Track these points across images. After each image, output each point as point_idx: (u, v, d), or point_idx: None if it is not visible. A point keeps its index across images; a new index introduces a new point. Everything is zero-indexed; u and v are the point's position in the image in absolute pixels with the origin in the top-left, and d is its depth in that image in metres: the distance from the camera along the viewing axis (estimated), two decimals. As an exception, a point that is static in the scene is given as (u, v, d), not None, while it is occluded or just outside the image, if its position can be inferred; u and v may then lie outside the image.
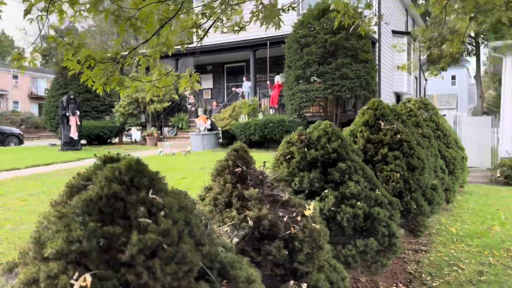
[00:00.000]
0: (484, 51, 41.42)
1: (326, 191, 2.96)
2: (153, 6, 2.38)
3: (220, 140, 12.54)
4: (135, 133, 19.75)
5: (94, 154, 1.75)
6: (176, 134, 15.21)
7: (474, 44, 39.86)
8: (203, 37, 3.69)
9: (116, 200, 1.41)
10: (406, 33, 17.31)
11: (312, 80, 11.30)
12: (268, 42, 13.75)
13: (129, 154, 1.61)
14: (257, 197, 2.20)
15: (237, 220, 2.21)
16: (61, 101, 13.20)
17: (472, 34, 38.82)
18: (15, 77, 52.77)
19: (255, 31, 16.84)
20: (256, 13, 3.37)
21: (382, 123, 3.79)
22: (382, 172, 3.58)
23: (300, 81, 11.16)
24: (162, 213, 1.46)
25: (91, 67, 2.85)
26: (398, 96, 17.93)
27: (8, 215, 4.91)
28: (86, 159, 11.20)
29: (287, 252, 2.14)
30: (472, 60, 53.53)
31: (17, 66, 3.02)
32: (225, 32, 3.84)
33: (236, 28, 3.85)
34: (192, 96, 16.70)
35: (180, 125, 14.94)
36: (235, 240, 2.02)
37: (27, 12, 2.56)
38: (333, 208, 2.91)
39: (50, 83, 56.67)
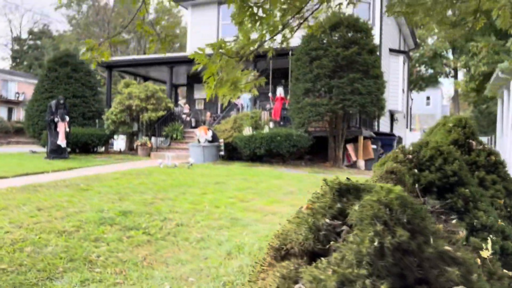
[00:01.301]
0: (461, 72, 42.87)
1: (453, 222, 2.55)
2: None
3: (222, 153, 11.99)
4: (119, 142, 18.83)
5: (324, 180, 1.27)
6: (169, 145, 14.51)
7: (452, 66, 41.18)
8: (290, 37, 3.25)
9: (404, 254, 0.93)
10: (402, 51, 17.46)
11: (312, 95, 11.01)
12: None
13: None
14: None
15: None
16: (49, 105, 12.30)
17: (451, 57, 40.16)
18: (-17, 79, 50.30)
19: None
20: None
21: (474, 143, 3.46)
22: (481, 198, 3.23)
23: (310, 95, 10.83)
24: None
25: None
26: (392, 115, 17.98)
27: (23, 234, 4.21)
28: (79, 169, 10.37)
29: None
30: (445, 81, 55.47)
31: (88, 57, 2.49)
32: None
33: (320, 28, 3.42)
34: (187, 105, 16.08)
35: (175, 135, 14.27)
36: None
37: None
38: (464, 243, 2.49)
39: (31, 86, 54.37)
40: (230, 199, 6.21)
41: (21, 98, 53.36)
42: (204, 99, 18.44)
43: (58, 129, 12.15)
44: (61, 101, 12.26)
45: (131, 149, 17.52)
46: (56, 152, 12.16)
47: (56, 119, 12.07)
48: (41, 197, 6.08)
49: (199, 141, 12.17)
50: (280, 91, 13.22)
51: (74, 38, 55.98)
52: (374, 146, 12.51)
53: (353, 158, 12.39)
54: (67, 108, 12.48)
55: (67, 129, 12.36)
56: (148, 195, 6.40)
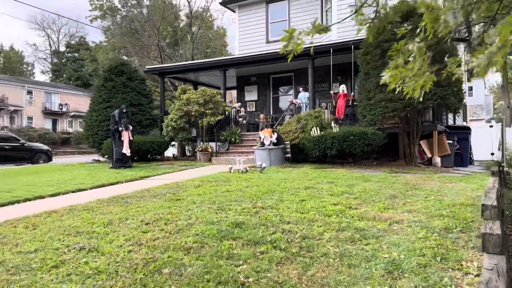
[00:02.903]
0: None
1: None
2: None
3: (289, 155, 11.55)
4: (171, 149, 18.83)
5: None
6: (228, 149, 14.25)
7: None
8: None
9: None
10: (464, 39, 16.42)
11: (385, 90, 10.32)
12: (331, 49, 12.89)
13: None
14: None
15: None
16: (113, 115, 12.31)
17: (500, 43, 37.99)
18: (30, 92, 52.58)
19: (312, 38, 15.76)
20: None
21: None
22: None
23: (383, 90, 10.22)
24: None
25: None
26: (454, 106, 16.96)
27: (148, 253, 3.92)
28: (150, 177, 10.25)
29: None
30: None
31: (287, 49, 2.13)
32: None
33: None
34: (243, 108, 15.80)
35: (233, 139, 13.99)
36: None
37: None
38: None
39: (73, 97, 56.23)
40: (334, 205, 5.75)
41: (64, 109, 55.45)
42: (255, 101, 18.11)
43: (122, 138, 12.13)
44: (124, 110, 12.24)
45: (183, 154, 17.46)
46: (121, 162, 12.14)
47: (120, 128, 12.06)
48: (138, 210, 5.86)
49: (263, 144, 11.80)
50: (343, 87, 12.66)
51: (110, 49, 57.50)
52: (450, 141, 11.71)
53: (428, 155, 11.64)
54: (129, 117, 12.46)
55: (131, 138, 12.32)
56: (245, 203, 6.05)
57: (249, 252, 3.92)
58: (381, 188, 7.16)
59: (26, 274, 3.50)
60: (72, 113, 55.65)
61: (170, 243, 4.24)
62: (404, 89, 2.71)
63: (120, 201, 6.74)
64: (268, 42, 17.28)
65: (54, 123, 55.21)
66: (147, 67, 18.37)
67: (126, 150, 12.10)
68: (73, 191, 8.34)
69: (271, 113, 17.39)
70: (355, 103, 12.96)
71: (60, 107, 55.29)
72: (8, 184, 9.55)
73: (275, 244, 4.14)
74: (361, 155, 10.97)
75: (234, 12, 18.48)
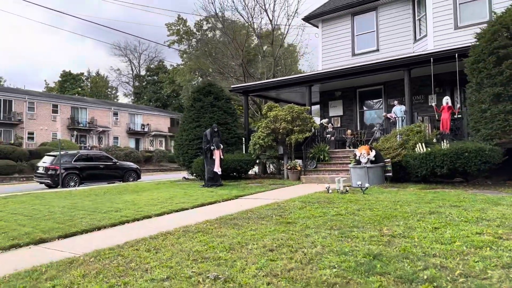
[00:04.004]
0: None
1: None
2: None
3: (390, 174, 10.70)
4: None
5: None
6: (316, 167, 13.73)
7: None
8: None
9: None
10: None
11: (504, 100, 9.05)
12: (431, 58, 11.92)
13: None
14: None
15: None
16: (205, 134, 12.47)
17: None
18: (115, 114, 56.86)
19: (405, 49, 14.71)
20: None
21: None
22: None
23: (501, 101, 9.09)
24: None
25: None
26: None
27: (283, 285, 3.53)
28: (245, 197, 10.07)
29: None
30: None
31: None
32: None
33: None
34: (330, 124, 15.26)
35: (322, 156, 13.45)
36: None
37: None
38: None
39: (153, 118, 59.76)
40: (479, 235, 4.96)
41: (146, 129, 59.04)
42: (340, 117, 17.44)
43: (213, 157, 12.20)
44: (215, 129, 12.35)
45: (264, 172, 17.26)
46: (213, 180, 12.19)
47: (212, 147, 12.15)
48: (253, 233, 5.56)
49: (358, 162, 11.10)
50: (447, 99, 11.58)
51: (187, 71, 60.40)
52: None
53: (556, 173, 10.09)
54: (220, 136, 12.54)
55: (221, 157, 12.35)
56: (368, 230, 5.47)
57: (409, 292, 3.35)
58: (522, 214, 6.15)
59: (168, 306, 3.29)
60: (153, 133, 59.09)
61: (308, 275, 3.82)
62: None
63: (229, 222, 6.54)
64: (354, 55, 16.65)
65: (137, 142, 59.01)
66: (232, 86, 18.66)
67: (217, 168, 12.13)
68: (177, 211, 8.39)
69: (358, 128, 16.59)
70: (459, 116, 11.81)
71: (142, 127, 59.04)
72: (113, 203, 9.93)
73: (435, 284, 3.51)
74: (475, 174, 9.82)
75: (317, 27, 18.15)
